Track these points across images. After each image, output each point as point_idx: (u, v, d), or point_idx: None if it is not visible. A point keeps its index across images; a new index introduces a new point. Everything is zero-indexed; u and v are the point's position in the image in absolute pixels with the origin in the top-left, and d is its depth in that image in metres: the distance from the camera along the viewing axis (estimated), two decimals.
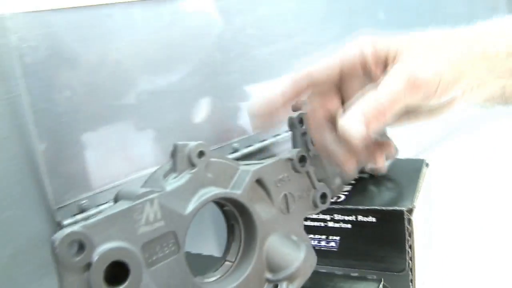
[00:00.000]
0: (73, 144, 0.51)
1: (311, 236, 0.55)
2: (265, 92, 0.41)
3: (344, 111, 0.36)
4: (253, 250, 0.36)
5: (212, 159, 0.34)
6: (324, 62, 0.39)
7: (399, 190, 0.58)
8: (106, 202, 0.54)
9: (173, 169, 0.33)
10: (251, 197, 0.35)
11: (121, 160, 0.57)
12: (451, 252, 0.70)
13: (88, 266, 0.26)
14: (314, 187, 0.40)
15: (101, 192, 0.54)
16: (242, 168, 0.36)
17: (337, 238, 0.54)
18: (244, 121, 0.69)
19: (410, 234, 0.52)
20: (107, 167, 0.56)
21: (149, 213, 0.29)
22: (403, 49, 0.36)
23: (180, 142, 0.33)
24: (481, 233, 0.80)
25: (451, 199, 0.87)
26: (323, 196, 0.41)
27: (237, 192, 0.34)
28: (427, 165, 0.65)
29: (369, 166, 0.62)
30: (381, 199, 0.55)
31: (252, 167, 0.36)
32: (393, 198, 0.55)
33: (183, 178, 0.32)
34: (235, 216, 0.37)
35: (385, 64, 0.37)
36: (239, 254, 0.36)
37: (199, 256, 0.48)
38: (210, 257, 0.48)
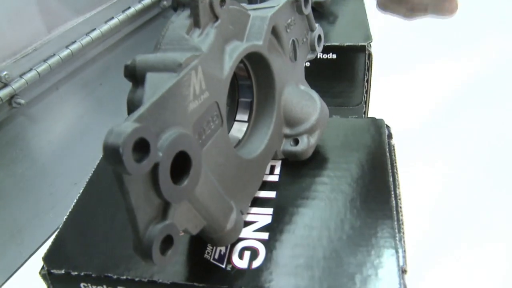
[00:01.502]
0: None
1: None
2: None
3: None
4: (272, 105, 0.32)
5: (231, 6, 0.28)
6: None
7: (344, 24, 0.56)
8: (31, 69, 0.44)
9: (196, 23, 0.26)
10: (268, 47, 0.31)
11: (35, 13, 0.45)
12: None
13: (155, 167, 0.20)
14: (312, 29, 0.36)
15: (23, 57, 0.44)
16: (252, 14, 0.30)
17: None
18: None
19: (368, 69, 0.53)
20: (21, 24, 0.44)
21: (195, 85, 0.23)
22: None
23: None
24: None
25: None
26: (319, 38, 0.37)
27: (258, 43, 0.29)
28: None
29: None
30: (337, 35, 0.53)
31: (265, 12, 0.30)
32: (346, 33, 0.54)
33: (210, 34, 0.26)
34: (245, 70, 0.32)
35: None
36: (254, 112, 0.33)
37: None
38: None
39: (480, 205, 0.58)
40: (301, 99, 0.33)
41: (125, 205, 0.21)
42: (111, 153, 0.19)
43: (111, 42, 0.54)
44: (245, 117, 0.33)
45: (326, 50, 0.52)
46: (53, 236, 0.32)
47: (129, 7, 0.55)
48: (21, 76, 0.43)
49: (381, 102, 0.59)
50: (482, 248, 0.53)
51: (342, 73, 0.53)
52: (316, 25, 0.37)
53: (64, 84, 0.49)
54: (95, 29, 0.49)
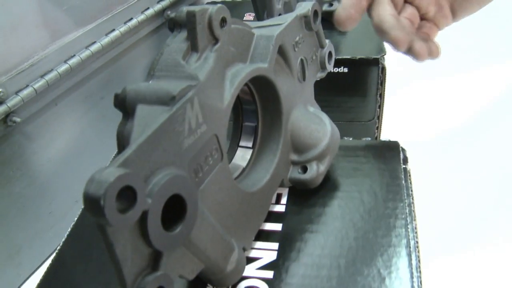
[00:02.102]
0: None
1: None
2: None
3: None
4: (278, 131, 0.30)
5: (233, 26, 0.25)
6: None
7: (356, 35, 0.54)
8: (27, 86, 0.42)
9: (193, 47, 0.23)
10: (274, 69, 0.28)
11: (32, 27, 0.43)
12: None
13: (143, 215, 0.18)
14: (322, 46, 0.34)
15: (18, 74, 0.42)
16: (257, 32, 0.28)
17: None
18: None
19: (382, 83, 0.50)
20: (17, 40, 0.42)
21: (191, 119, 0.21)
22: None
23: (194, 8, 0.23)
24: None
25: None
26: (330, 55, 0.35)
27: (263, 65, 0.27)
28: None
29: (323, 8, 0.56)
30: (348, 47, 0.51)
31: (270, 31, 0.28)
32: (359, 45, 0.51)
33: (209, 58, 0.23)
34: (249, 94, 0.30)
35: None
36: (259, 138, 0.30)
37: None
38: None
39: (500, 230, 0.54)
40: (310, 123, 0.31)
41: (110, 257, 0.18)
42: (92, 205, 0.17)
43: (113, 54, 0.52)
44: (250, 143, 0.31)
45: (337, 63, 0.50)
46: (51, 258, 0.29)
47: (131, 18, 0.53)
48: (16, 93, 0.41)
49: (394, 117, 0.56)
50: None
51: (354, 87, 0.50)
52: (327, 41, 0.34)
53: (63, 100, 0.47)
54: (95, 42, 0.47)
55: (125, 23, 0.52)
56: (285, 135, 0.30)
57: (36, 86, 0.42)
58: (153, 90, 0.21)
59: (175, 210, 0.20)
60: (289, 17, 0.30)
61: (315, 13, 0.31)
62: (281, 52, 0.29)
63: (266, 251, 0.29)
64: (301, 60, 0.31)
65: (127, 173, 0.17)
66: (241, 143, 0.31)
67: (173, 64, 0.23)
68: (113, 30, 0.51)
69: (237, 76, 0.25)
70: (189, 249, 0.22)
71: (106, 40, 0.49)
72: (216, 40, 0.24)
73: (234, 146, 0.31)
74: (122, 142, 0.22)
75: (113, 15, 0.51)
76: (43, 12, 0.43)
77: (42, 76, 0.43)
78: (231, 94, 0.24)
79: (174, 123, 0.20)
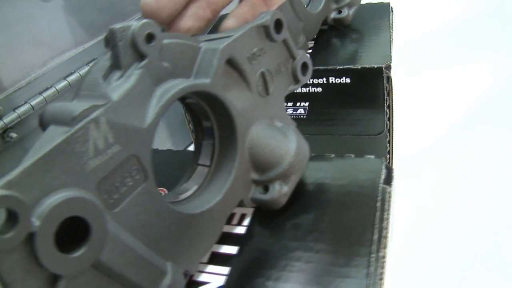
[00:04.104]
0: None
1: None
2: None
3: None
4: (233, 149, 0.28)
5: (166, 41, 0.24)
6: None
7: (367, 42, 0.50)
8: (25, 103, 0.44)
9: (115, 65, 0.23)
10: (223, 84, 0.27)
11: (30, 45, 0.44)
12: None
13: (30, 237, 0.18)
14: (294, 57, 0.32)
15: (15, 91, 0.43)
16: (204, 46, 0.27)
17: (306, 104, 0.48)
18: None
19: (389, 93, 0.47)
20: (15, 58, 0.43)
21: (97, 139, 0.20)
22: None
23: (116, 25, 0.22)
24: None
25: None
26: (304, 66, 0.33)
27: (205, 81, 0.26)
28: (391, 10, 0.57)
29: (332, 16, 0.53)
30: (352, 56, 0.48)
31: (217, 44, 0.27)
32: (365, 54, 0.48)
33: (132, 76, 0.23)
34: (203, 110, 0.28)
35: None
36: (215, 157, 0.29)
37: (156, 151, 0.40)
38: (169, 151, 0.41)
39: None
40: (271, 140, 0.29)
41: None
42: None
43: None
44: (207, 162, 0.29)
45: (338, 73, 0.47)
46: None
47: None
48: (14, 110, 0.42)
49: (410, 131, 0.52)
50: None
51: (359, 98, 0.48)
52: (300, 51, 0.32)
53: None
54: (94, 58, 0.48)
55: None
56: (241, 152, 0.29)
57: (34, 103, 0.43)
58: (60, 111, 0.21)
59: (79, 231, 0.20)
60: (243, 28, 0.28)
61: (278, 22, 0.30)
62: (233, 65, 0.28)
63: (215, 276, 0.27)
64: (262, 73, 0.30)
65: (6, 195, 0.17)
66: (200, 161, 0.30)
67: (92, 83, 0.22)
68: None
69: (167, 93, 0.24)
70: (102, 272, 0.21)
71: None
72: (142, 56, 0.23)
73: (194, 164, 0.30)
74: None
75: None
76: (41, 30, 0.44)
77: (40, 93, 0.44)
78: (156, 113, 0.23)
79: (73, 143, 0.19)
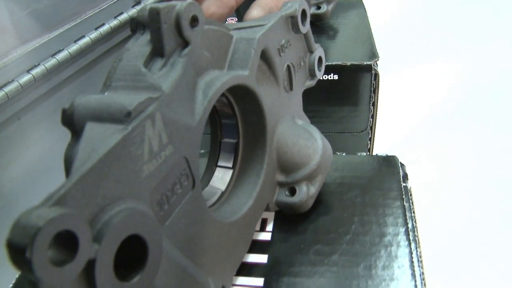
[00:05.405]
0: None
1: None
2: None
3: None
4: (262, 148, 0.26)
5: (206, 27, 0.21)
6: None
7: (348, 38, 0.50)
8: None
9: (157, 51, 0.19)
10: (257, 77, 0.24)
11: None
12: None
13: (90, 264, 0.14)
14: (312, 51, 0.30)
15: None
16: (236, 35, 0.24)
17: None
18: None
19: (375, 90, 0.46)
20: None
21: (152, 139, 0.17)
22: None
23: (158, 4, 0.19)
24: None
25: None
26: (320, 61, 0.31)
27: (243, 73, 0.23)
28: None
29: (311, 11, 0.52)
30: (338, 52, 0.47)
31: (251, 32, 0.24)
32: (349, 50, 0.47)
33: (176, 65, 0.20)
34: (225, 106, 0.26)
35: None
36: (240, 157, 0.26)
37: None
38: None
39: None
40: (298, 139, 0.27)
41: None
42: (17, 257, 0.13)
43: (83, 63, 0.48)
44: (230, 163, 0.27)
45: (326, 70, 0.46)
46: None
47: (103, 24, 0.49)
48: None
49: (388, 128, 0.52)
50: None
51: (345, 95, 0.47)
52: (316, 45, 0.31)
53: (27, 113, 0.43)
54: (62, 49, 0.43)
55: (96, 29, 0.48)
56: (270, 152, 0.26)
57: None
58: (105, 105, 0.17)
59: (131, 250, 0.16)
60: (273, 18, 0.26)
61: (303, 13, 0.28)
62: (265, 57, 0.25)
63: None
64: (288, 66, 0.27)
65: (64, 213, 0.13)
66: (220, 163, 0.27)
67: (132, 72, 0.19)
68: (83, 36, 0.46)
69: (211, 86, 0.21)
70: None
71: (74, 47, 0.44)
72: (185, 42, 0.20)
73: (212, 166, 0.27)
74: (70, 170, 0.18)
75: (83, 20, 0.46)
76: (1, 17, 0.39)
77: (0, 88, 0.38)
78: (204, 108, 0.20)
79: (129, 145, 0.16)
